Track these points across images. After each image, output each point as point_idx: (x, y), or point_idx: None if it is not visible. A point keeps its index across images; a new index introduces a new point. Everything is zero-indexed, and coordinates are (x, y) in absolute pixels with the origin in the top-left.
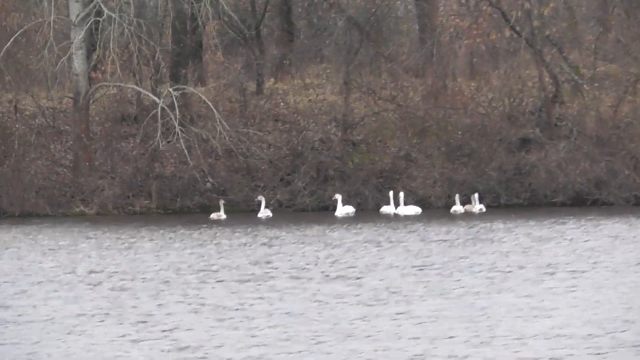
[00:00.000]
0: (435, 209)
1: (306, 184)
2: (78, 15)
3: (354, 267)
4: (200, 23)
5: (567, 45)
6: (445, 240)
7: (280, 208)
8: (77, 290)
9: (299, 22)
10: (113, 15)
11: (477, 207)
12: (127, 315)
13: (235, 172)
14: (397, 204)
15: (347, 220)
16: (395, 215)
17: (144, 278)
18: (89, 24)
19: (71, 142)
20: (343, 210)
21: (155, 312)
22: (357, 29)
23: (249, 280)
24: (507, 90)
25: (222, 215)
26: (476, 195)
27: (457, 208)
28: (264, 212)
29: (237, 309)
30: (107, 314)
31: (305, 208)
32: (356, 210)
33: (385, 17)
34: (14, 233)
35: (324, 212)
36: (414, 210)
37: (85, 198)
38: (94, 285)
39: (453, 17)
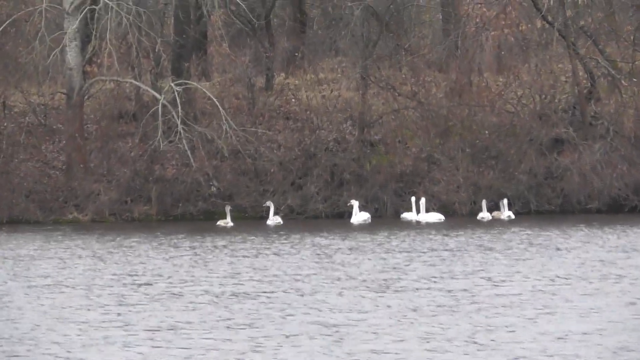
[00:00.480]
0: (459, 216)
1: (319, 188)
2: (72, 3)
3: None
4: (205, 12)
5: (604, 36)
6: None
7: (291, 214)
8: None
9: (312, 12)
10: (110, 3)
11: (506, 214)
12: None
13: (242, 175)
14: (418, 211)
15: (376, 228)
16: (417, 222)
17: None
18: (83, 12)
19: (64, 142)
20: (359, 217)
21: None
22: (376, 19)
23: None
24: (538, 86)
25: (229, 222)
26: (505, 201)
27: (484, 215)
28: (274, 219)
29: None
30: None
31: (318, 215)
32: (373, 217)
33: (406, 7)
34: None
35: (338, 219)
36: (436, 217)
37: (79, 203)
38: None
39: (479, 5)
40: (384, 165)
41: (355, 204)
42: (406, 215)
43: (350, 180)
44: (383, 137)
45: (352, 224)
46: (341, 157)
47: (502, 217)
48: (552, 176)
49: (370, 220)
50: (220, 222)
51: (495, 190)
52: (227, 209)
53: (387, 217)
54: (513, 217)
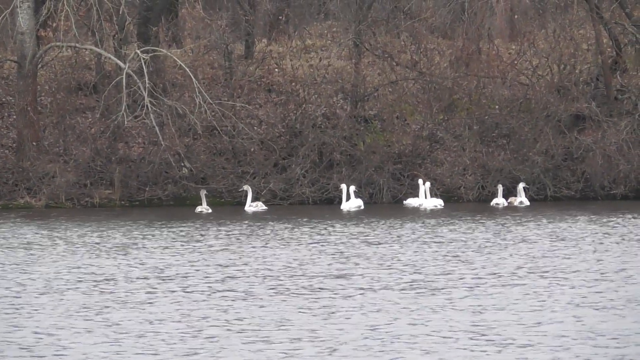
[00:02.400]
0: (465, 202)
1: (306, 170)
2: None
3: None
4: None
5: None
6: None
7: (273, 200)
8: None
9: None
10: None
11: (518, 199)
12: None
13: (217, 155)
14: (425, 196)
15: (376, 214)
16: (424, 209)
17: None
18: None
19: (14, 117)
20: (351, 203)
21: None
22: None
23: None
24: (556, 55)
25: (207, 208)
26: (521, 185)
27: (499, 201)
28: (254, 205)
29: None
30: None
31: (304, 200)
32: (367, 204)
33: None
34: None
35: (327, 205)
36: (435, 202)
37: (32, 187)
38: None
39: None
40: (379, 145)
41: (344, 188)
42: (411, 201)
43: (341, 162)
44: (379, 113)
45: (342, 210)
46: (331, 134)
47: (515, 203)
48: (571, 157)
49: (362, 207)
50: (199, 208)
51: (506, 174)
52: (202, 193)
53: (382, 204)
54: (527, 203)
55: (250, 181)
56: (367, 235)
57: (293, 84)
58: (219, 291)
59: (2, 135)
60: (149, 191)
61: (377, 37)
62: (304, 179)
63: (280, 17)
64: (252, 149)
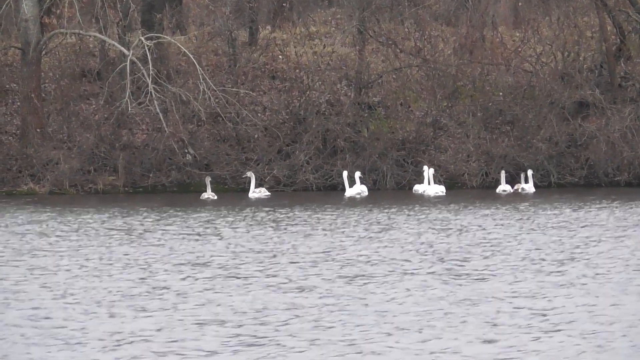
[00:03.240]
0: (469, 189)
1: (309, 157)
2: None
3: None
4: None
5: None
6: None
7: (277, 186)
8: None
9: None
10: None
11: (526, 186)
12: None
13: (221, 142)
14: (429, 182)
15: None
16: (423, 195)
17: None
18: None
19: (18, 104)
20: (354, 190)
21: None
22: None
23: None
24: (561, 42)
25: (212, 195)
26: (530, 172)
27: (505, 188)
28: (258, 192)
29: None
30: None
31: (307, 187)
32: (371, 190)
33: None
34: None
35: (331, 191)
36: (437, 189)
37: (36, 173)
38: None
39: None
40: (383, 131)
41: (345, 175)
42: (418, 188)
43: (345, 148)
44: (383, 99)
45: (346, 197)
46: (335, 121)
47: (520, 190)
48: (575, 144)
49: (366, 193)
50: (205, 195)
51: (510, 160)
52: (207, 180)
53: (386, 190)
54: (533, 190)
55: (254, 168)
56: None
57: (297, 70)
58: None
59: (6, 122)
60: (152, 178)
61: (381, 24)
62: (308, 165)
63: (284, 4)
64: (255, 136)
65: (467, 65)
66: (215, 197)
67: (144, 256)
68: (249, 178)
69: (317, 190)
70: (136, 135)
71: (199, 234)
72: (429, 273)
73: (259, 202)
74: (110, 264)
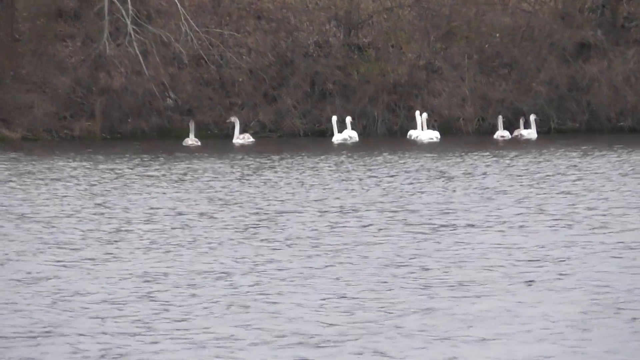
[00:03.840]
0: (465, 134)
1: (297, 101)
2: None
3: None
4: None
5: None
6: None
7: (262, 132)
8: None
9: None
10: None
11: (525, 132)
12: None
13: (204, 86)
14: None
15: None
16: (414, 141)
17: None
18: None
19: None
20: (342, 135)
21: None
22: None
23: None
24: None
25: (195, 140)
26: (532, 117)
27: (503, 133)
28: (242, 138)
29: None
30: None
31: (295, 132)
32: (362, 135)
33: None
34: None
35: (319, 137)
36: (431, 135)
37: (9, 118)
38: None
39: None
40: (374, 74)
41: (335, 120)
42: (412, 133)
43: (334, 92)
44: (373, 41)
45: (333, 143)
46: (323, 64)
47: (522, 135)
48: (576, 88)
49: (356, 139)
50: (188, 140)
51: (508, 105)
52: (191, 124)
53: (376, 136)
54: (535, 135)
55: (239, 112)
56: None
57: (284, 10)
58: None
59: None
60: (131, 123)
61: None
62: (295, 110)
63: None
64: (240, 79)
65: (462, 4)
66: (199, 143)
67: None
68: (233, 123)
69: (305, 136)
70: (114, 79)
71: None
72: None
73: (246, 149)
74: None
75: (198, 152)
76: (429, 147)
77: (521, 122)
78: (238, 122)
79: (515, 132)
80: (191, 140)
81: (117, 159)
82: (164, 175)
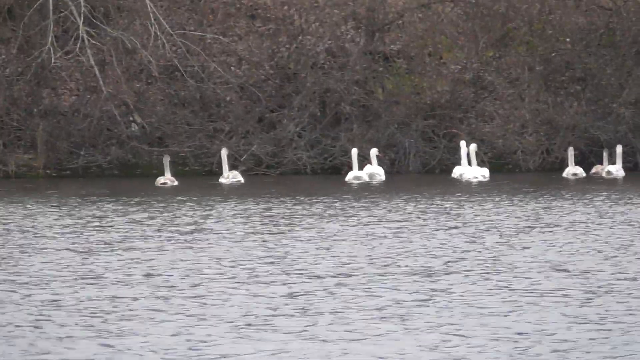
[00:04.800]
0: (524, 172)
1: (303, 127)
2: None
3: None
4: None
5: None
6: None
7: (257, 168)
8: None
9: None
10: None
11: (613, 168)
12: None
13: (180, 107)
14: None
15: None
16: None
17: None
18: None
19: None
20: (362, 171)
21: None
22: None
23: None
24: None
25: (172, 179)
26: (619, 149)
27: (576, 170)
28: (227, 177)
29: None
30: None
31: (299, 169)
32: (389, 173)
33: None
34: None
35: (332, 175)
36: (478, 172)
37: None
38: None
39: None
40: (405, 92)
41: (355, 153)
42: (458, 171)
43: (352, 116)
44: (404, 48)
45: (350, 183)
46: (338, 78)
47: (604, 173)
48: None
49: (382, 177)
50: (162, 179)
51: (581, 132)
52: (166, 160)
53: (408, 173)
54: (623, 173)
55: (226, 142)
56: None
57: (285, 7)
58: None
59: None
60: (84, 156)
61: None
62: (300, 139)
63: None
64: (228, 98)
65: (522, 0)
66: (175, 183)
67: None
68: (229, 155)
69: (313, 174)
70: (62, 97)
71: None
72: None
73: (236, 190)
74: None
75: (175, 194)
76: (485, 188)
77: (604, 155)
78: (226, 153)
79: (595, 169)
80: (165, 179)
81: (70, 202)
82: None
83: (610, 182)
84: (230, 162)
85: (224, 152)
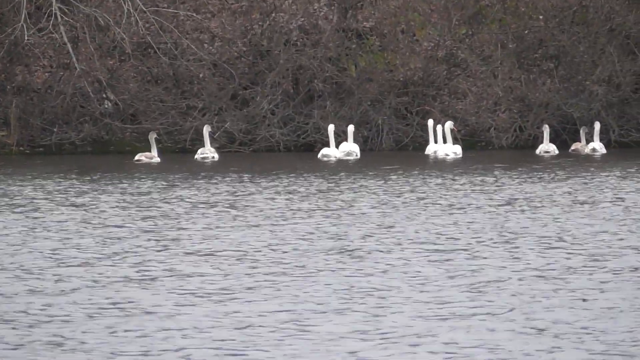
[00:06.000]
0: (496, 149)
1: (276, 105)
2: None
3: None
4: None
5: None
6: None
7: (230, 145)
8: None
9: None
10: None
11: (598, 145)
12: None
13: (153, 84)
14: (444, 140)
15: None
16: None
17: None
18: None
19: None
20: (336, 149)
21: None
22: None
23: None
24: None
25: (154, 156)
26: (597, 126)
27: (549, 148)
28: (201, 152)
29: None
30: None
31: (272, 146)
32: (362, 150)
33: None
34: None
35: (305, 152)
36: (450, 150)
37: None
38: None
39: None
40: (378, 70)
41: (332, 130)
42: (433, 148)
43: (325, 93)
44: (377, 25)
45: (323, 158)
46: (311, 55)
47: (586, 150)
48: None
49: (358, 155)
50: (141, 156)
51: (554, 109)
52: (152, 137)
53: (381, 151)
54: (601, 150)
55: (199, 119)
56: None
57: None
58: None
59: None
60: (58, 133)
61: None
62: (273, 116)
63: None
64: (201, 75)
65: None
66: (156, 160)
67: None
68: (212, 133)
69: (286, 151)
70: (35, 74)
71: None
72: None
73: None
74: None
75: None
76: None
77: (582, 132)
78: (208, 131)
79: (575, 146)
80: (146, 157)
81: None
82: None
83: (590, 160)
84: (203, 140)
85: (206, 130)
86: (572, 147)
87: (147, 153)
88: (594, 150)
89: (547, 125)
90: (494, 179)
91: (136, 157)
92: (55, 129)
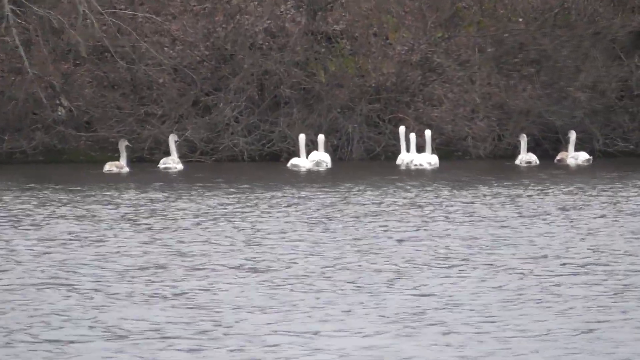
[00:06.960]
0: (474, 159)
1: (240, 112)
2: None
3: None
4: None
5: None
6: None
7: (191, 155)
8: None
9: None
10: None
11: (581, 154)
12: None
13: (110, 89)
14: (409, 149)
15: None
16: (409, 167)
17: None
18: None
19: None
20: (303, 161)
21: None
22: None
23: None
24: None
25: (124, 166)
26: (573, 135)
27: (529, 158)
28: (164, 162)
29: None
30: None
31: (235, 155)
32: (332, 160)
33: None
34: None
35: (271, 162)
36: (428, 159)
37: None
38: None
39: None
40: (348, 75)
41: (302, 140)
42: (405, 157)
43: (292, 99)
44: (348, 28)
45: (293, 168)
46: (277, 60)
47: (568, 160)
48: (630, 95)
49: (329, 165)
50: (110, 166)
51: (534, 117)
52: (122, 145)
53: (351, 160)
54: (588, 160)
55: (158, 127)
56: None
57: None
58: None
59: None
60: (8, 141)
61: None
62: (237, 124)
63: None
64: (160, 80)
65: None
66: (125, 170)
67: None
68: (176, 141)
69: (251, 161)
70: None
71: None
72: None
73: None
74: None
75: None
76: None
77: (571, 140)
78: (173, 139)
79: (560, 155)
80: (116, 167)
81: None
82: None
83: (573, 172)
84: (163, 149)
85: (171, 139)
86: (558, 157)
87: (117, 162)
88: (588, 161)
89: (524, 135)
90: (475, 191)
91: (106, 168)
92: (6, 137)
